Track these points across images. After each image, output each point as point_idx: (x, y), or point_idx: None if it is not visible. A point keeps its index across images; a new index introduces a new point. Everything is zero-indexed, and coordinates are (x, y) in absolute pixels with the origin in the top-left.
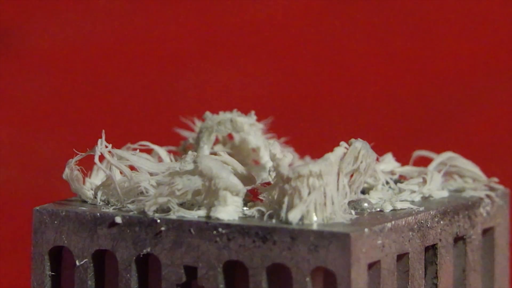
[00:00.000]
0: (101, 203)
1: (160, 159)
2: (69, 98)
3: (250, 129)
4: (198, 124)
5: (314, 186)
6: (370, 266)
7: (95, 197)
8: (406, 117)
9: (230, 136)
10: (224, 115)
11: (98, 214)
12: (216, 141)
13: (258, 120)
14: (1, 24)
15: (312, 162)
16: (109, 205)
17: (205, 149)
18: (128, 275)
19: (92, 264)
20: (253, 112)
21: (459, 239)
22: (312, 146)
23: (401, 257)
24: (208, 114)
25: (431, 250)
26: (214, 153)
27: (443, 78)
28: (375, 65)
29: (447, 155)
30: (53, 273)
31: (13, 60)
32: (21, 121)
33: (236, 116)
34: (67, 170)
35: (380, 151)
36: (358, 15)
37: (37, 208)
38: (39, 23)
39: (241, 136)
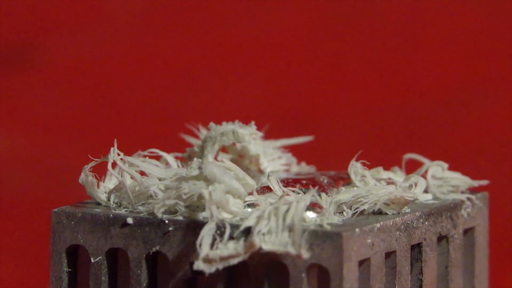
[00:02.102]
0: (114, 206)
1: (168, 165)
2: (85, 109)
3: (251, 138)
4: (203, 131)
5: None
6: (361, 263)
7: (109, 200)
8: (400, 124)
9: (234, 145)
10: (227, 126)
11: (111, 215)
12: (223, 150)
13: (259, 128)
14: (24, 39)
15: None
16: (121, 207)
17: (209, 157)
18: (139, 271)
19: (105, 261)
20: (253, 122)
21: (442, 238)
22: (309, 151)
23: (389, 254)
24: (212, 124)
25: (416, 249)
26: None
27: (435, 86)
28: (370, 75)
29: (433, 165)
30: (70, 270)
31: (33, 73)
32: (41, 130)
33: (238, 127)
34: (82, 175)
35: (375, 155)
36: (353, 27)
37: (55, 210)
38: (59, 40)
39: (242, 145)
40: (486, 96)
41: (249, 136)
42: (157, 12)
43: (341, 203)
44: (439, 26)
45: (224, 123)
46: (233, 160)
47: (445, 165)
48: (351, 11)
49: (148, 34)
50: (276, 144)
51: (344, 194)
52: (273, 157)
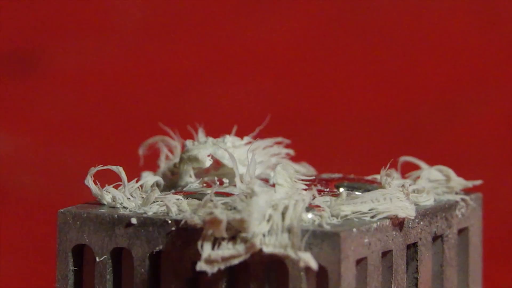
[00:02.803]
0: (118, 206)
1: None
2: (89, 112)
3: (224, 153)
4: (201, 135)
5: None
6: (358, 262)
7: (113, 201)
8: (395, 127)
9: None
10: (193, 149)
11: (116, 215)
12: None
13: (260, 134)
14: (29, 45)
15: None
16: (125, 208)
17: (184, 178)
18: (143, 270)
19: (110, 260)
20: (227, 135)
21: (437, 238)
22: (307, 154)
23: (386, 254)
24: (187, 143)
25: (412, 248)
26: (207, 182)
27: (430, 91)
28: (367, 80)
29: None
30: (75, 268)
31: (39, 78)
32: (47, 133)
33: (210, 145)
34: (88, 177)
35: (371, 158)
36: (351, 33)
37: (62, 210)
38: (63, 45)
39: (223, 161)
40: (480, 100)
41: (209, 160)
42: (158, 19)
43: (342, 215)
44: (434, 33)
45: (196, 142)
46: (212, 180)
47: (446, 169)
48: (348, 16)
49: (149, 40)
50: (252, 147)
51: (345, 207)
52: (261, 160)
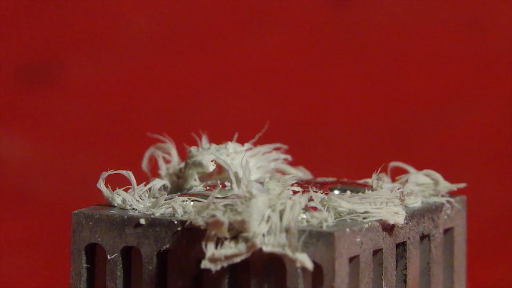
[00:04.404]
0: (128, 208)
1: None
2: (102, 121)
3: (227, 158)
4: (204, 141)
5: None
6: (351, 259)
7: (123, 203)
8: (385, 135)
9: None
10: (197, 156)
11: (126, 216)
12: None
13: (259, 141)
14: (47, 59)
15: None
16: (134, 209)
17: (189, 181)
18: (151, 267)
19: (120, 258)
20: (232, 141)
21: (424, 237)
22: (305, 158)
23: (376, 252)
24: (192, 149)
25: (401, 246)
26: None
27: (417, 101)
28: (359, 92)
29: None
30: (88, 266)
31: (56, 89)
32: (63, 140)
33: (214, 151)
34: (100, 181)
35: (362, 163)
36: (344, 48)
37: (75, 212)
38: (77, 59)
39: (224, 167)
40: (464, 110)
41: (212, 166)
42: (167, 35)
43: (338, 210)
44: (422, 47)
45: (201, 148)
46: (215, 184)
47: (433, 173)
48: (339, 31)
49: (158, 55)
50: (252, 153)
51: (345, 203)
52: (260, 165)
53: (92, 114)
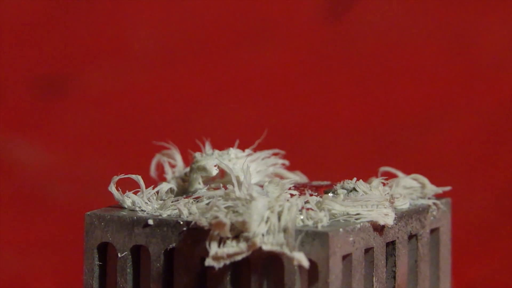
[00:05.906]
0: (137, 209)
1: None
2: (113, 129)
3: (229, 163)
4: (208, 147)
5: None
6: (344, 257)
7: (133, 205)
8: (375, 141)
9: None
10: (201, 161)
11: (135, 217)
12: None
13: (259, 147)
14: (62, 71)
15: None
16: (143, 211)
17: (194, 185)
18: (158, 264)
19: (130, 256)
20: (233, 147)
21: (412, 237)
22: (301, 162)
23: (368, 250)
24: (196, 155)
25: (391, 245)
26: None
27: (404, 110)
28: (351, 103)
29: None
30: (100, 263)
31: (69, 99)
32: (77, 147)
33: (217, 156)
34: (112, 184)
35: (354, 167)
36: (334, 62)
37: (88, 213)
38: (90, 71)
39: (226, 171)
40: (448, 117)
41: (215, 170)
42: (174, 49)
43: (332, 212)
44: (409, 60)
45: (204, 154)
46: (218, 187)
47: (420, 177)
48: (331, 46)
49: (165, 69)
50: (252, 158)
51: (338, 206)
52: (260, 169)
53: (103, 123)
